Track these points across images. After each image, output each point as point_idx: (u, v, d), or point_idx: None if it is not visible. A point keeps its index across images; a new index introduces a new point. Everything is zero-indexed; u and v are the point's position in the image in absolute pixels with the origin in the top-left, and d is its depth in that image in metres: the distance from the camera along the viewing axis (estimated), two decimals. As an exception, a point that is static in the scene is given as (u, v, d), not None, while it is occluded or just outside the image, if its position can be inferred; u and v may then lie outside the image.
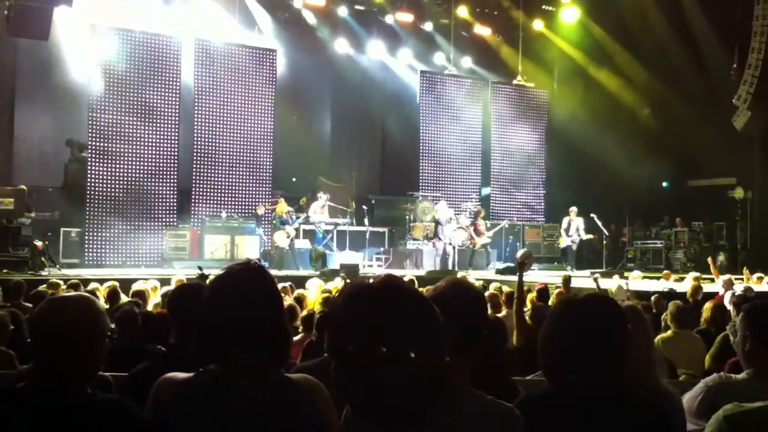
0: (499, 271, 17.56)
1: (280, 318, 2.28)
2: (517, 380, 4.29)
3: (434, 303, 1.56)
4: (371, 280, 1.57)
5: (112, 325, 2.46)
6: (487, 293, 8.80)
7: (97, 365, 2.34)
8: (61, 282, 9.59)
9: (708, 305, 7.19)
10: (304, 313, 7.13)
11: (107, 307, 7.72)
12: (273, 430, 2.09)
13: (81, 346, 2.23)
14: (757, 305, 3.18)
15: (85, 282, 10.33)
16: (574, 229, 19.51)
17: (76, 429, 2.17)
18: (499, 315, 7.84)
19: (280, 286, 8.17)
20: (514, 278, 15.22)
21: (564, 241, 19.81)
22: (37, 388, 2.20)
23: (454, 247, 18.70)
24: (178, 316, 3.19)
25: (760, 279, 15.01)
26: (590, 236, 19.79)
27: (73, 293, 2.46)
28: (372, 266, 18.67)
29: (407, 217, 20.75)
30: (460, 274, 14.57)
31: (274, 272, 14.72)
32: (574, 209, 19.72)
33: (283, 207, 17.82)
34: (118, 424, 2.22)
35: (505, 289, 9.74)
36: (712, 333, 6.55)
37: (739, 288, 10.10)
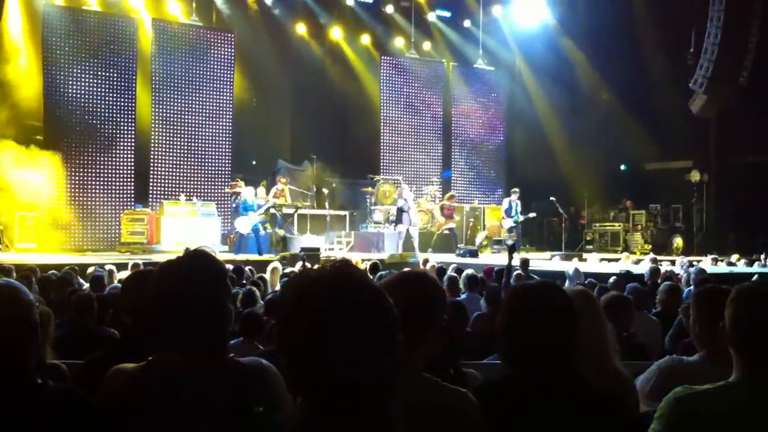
0: (460, 254, 17.65)
1: (225, 305, 2.28)
2: (475, 364, 4.32)
3: (389, 293, 1.53)
4: (321, 269, 1.52)
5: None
6: (445, 276, 8.84)
7: (32, 354, 2.27)
8: (13, 267, 9.41)
9: (662, 287, 7.28)
10: (269, 297, 7.11)
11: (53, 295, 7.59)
12: (223, 414, 2.09)
13: (8, 336, 2.18)
14: (705, 290, 3.23)
15: (43, 267, 10.16)
16: (515, 210, 19.45)
17: (26, 420, 2.13)
18: (458, 298, 7.86)
19: (241, 269, 8.08)
20: (475, 261, 15.39)
21: (506, 223, 19.69)
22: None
23: (410, 230, 18.63)
24: (133, 302, 3.15)
25: (715, 260, 15.31)
26: (532, 214, 19.79)
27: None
28: (333, 250, 18.62)
29: (368, 201, 20.73)
30: (421, 257, 14.59)
31: (232, 257, 14.58)
32: (516, 190, 19.68)
33: (250, 192, 17.57)
34: (70, 415, 2.18)
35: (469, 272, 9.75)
36: (668, 314, 6.65)
37: (692, 270, 10.24)
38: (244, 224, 17.13)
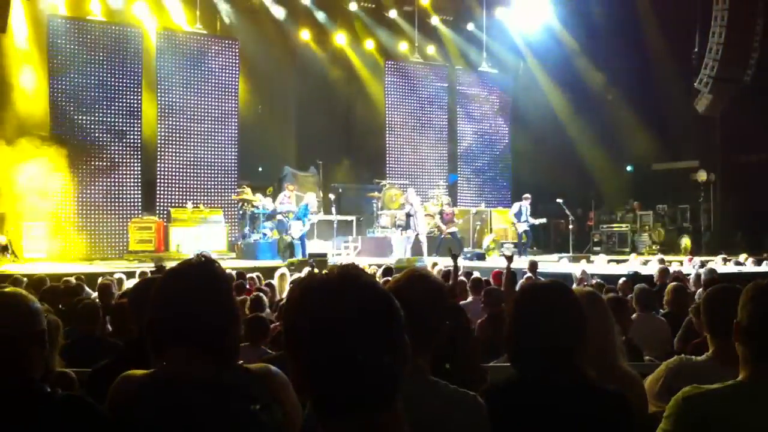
0: (467, 258, 17.62)
1: (230, 311, 2.27)
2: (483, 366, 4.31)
3: (395, 296, 1.53)
4: (328, 272, 1.52)
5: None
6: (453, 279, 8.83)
7: (39, 363, 2.27)
8: (24, 279, 9.44)
9: (670, 287, 7.25)
10: (279, 303, 7.16)
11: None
12: (229, 419, 2.09)
13: (15, 344, 2.17)
14: (714, 290, 3.22)
15: (51, 277, 10.17)
16: (525, 215, 19.39)
17: (35, 428, 2.13)
18: (464, 301, 7.86)
19: (247, 276, 8.14)
20: (481, 264, 15.38)
21: (521, 227, 19.60)
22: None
23: (418, 235, 18.65)
24: (140, 310, 3.15)
25: (724, 260, 15.26)
26: (543, 220, 19.78)
27: (5, 290, 2.36)
28: (340, 255, 18.62)
29: (375, 205, 20.72)
30: (430, 262, 14.58)
31: (243, 263, 14.63)
32: (527, 196, 19.59)
33: (312, 198, 17.55)
34: (79, 422, 2.18)
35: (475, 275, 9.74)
36: (675, 315, 6.63)
37: (702, 270, 10.21)
38: (299, 229, 17.10)
